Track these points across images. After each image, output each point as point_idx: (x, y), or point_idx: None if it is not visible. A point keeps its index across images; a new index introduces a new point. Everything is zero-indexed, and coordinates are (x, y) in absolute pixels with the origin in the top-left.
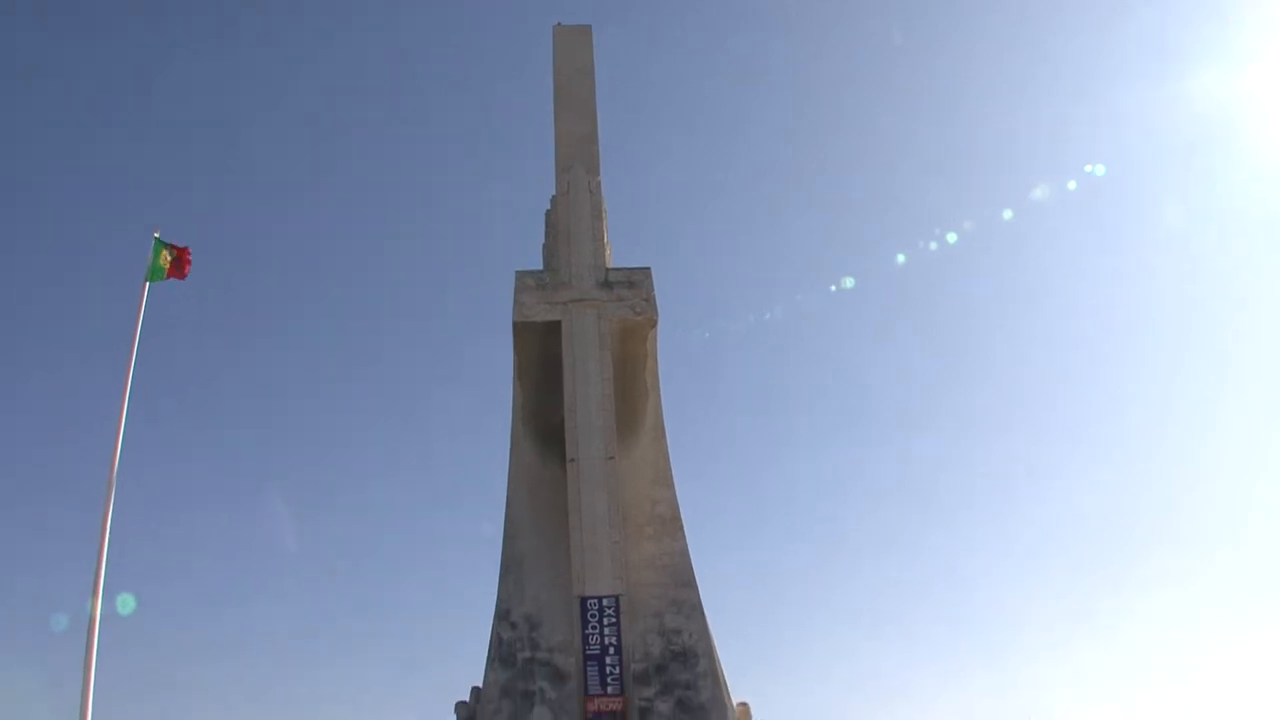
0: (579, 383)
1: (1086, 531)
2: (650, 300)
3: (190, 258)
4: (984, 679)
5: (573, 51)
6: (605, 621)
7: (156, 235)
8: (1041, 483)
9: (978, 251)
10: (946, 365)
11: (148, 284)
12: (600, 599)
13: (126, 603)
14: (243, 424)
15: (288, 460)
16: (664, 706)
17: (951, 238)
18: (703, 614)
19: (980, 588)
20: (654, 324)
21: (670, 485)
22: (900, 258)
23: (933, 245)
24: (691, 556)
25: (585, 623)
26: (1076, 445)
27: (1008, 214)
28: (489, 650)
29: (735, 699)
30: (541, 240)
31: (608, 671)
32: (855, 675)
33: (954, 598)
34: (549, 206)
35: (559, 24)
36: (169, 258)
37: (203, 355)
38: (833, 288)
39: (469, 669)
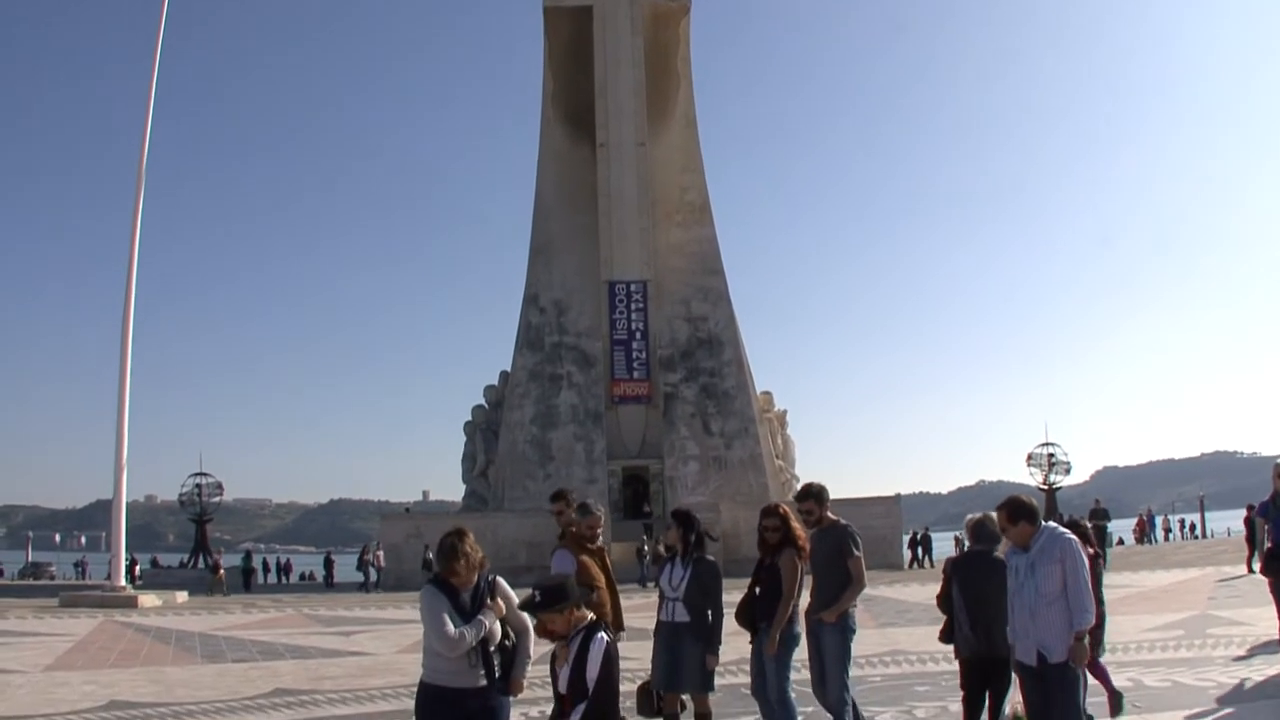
0: (610, 67)
1: (1121, 248)
2: None
3: None
4: (1004, 387)
5: None
6: (633, 307)
7: None
8: (1082, 189)
9: None
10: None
11: None
12: (628, 284)
13: None
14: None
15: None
16: (689, 392)
17: None
18: (729, 302)
19: (1011, 298)
20: (687, 10)
21: (700, 173)
22: None
23: None
24: (720, 245)
25: (613, 308)
26: (1127, 147)
27: None
28: (517, 335)
29: (759, 388)
30: None
31: (634, 356)
32: (876, 376)
33: (982, 306)
34: None
35: None
36: None
37: None
38: None
39: (498, 354)
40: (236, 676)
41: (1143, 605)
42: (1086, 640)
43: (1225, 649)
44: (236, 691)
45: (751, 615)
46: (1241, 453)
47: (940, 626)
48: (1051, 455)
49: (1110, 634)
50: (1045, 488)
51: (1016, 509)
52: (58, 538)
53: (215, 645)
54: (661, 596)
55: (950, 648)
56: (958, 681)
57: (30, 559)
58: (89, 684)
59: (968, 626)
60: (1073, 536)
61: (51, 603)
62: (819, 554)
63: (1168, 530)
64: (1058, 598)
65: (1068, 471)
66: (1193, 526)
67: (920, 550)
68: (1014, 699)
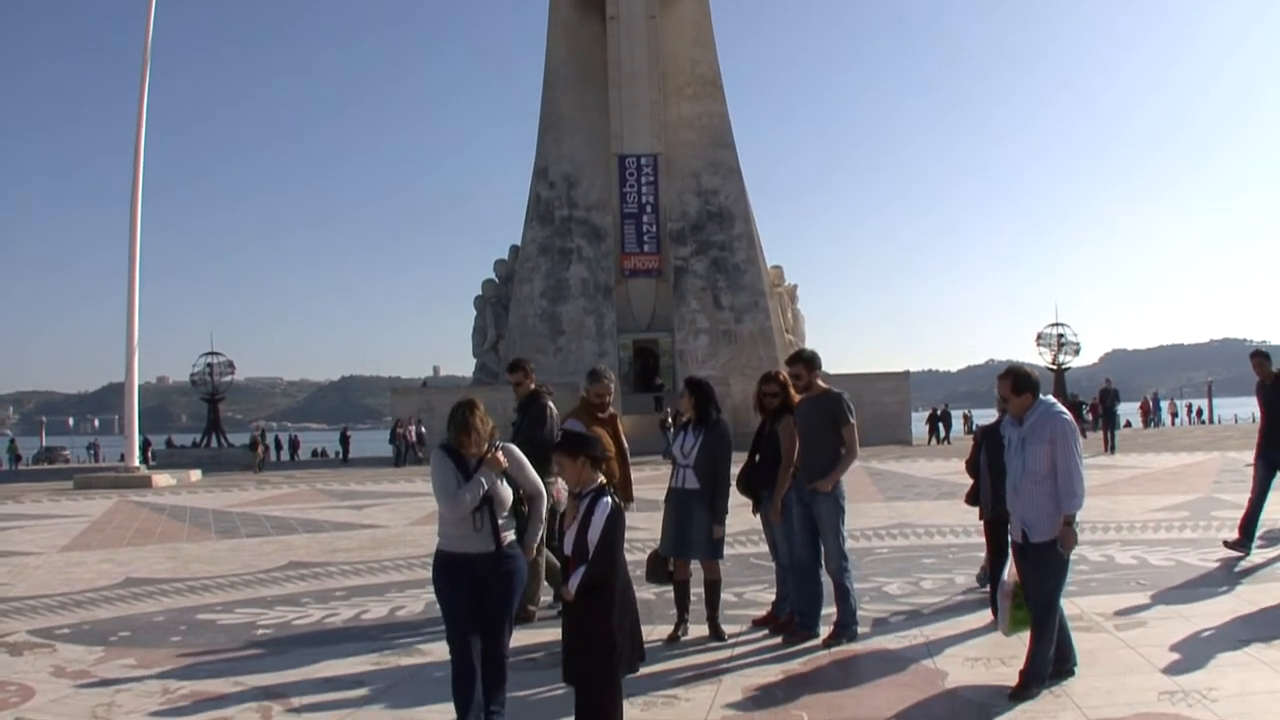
0: None
1: (1135, 135)
2: None
3: None
4: (1014, 269)
5: None
6: (643, 180)
7: None
8: (1095, 73)
9: None
10: None
11: None
12: (638, 158)
13: None
14: None
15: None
16: (699, 265)
17: None
18: (740, 177)
19: (1024, 181)
20: None
21: (711, 47)
22: None
23: None
24: (731, 120)
25: (623, 181)
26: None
27: None
28: (527, 209)
29: (770, 263)
30: None
31: (644, 230)
32: (888, 255)
33: (996, 188)
34: None
35: None
36: None
37: None
38: None
39: (508, 229)
40: (251, 551)
41: (1149, 486)
42: (1076, 525)
43: (1230, 532)
44: (251, 565)
45: (752, 483)
46: (1250, 340)
47: (967, 490)
48: (1061, 336)
49: (1117, 513)
50: (1054, 368)
51: (1021, 381)
52: (71, 422)
53: (229, 521)
54: (673, 464)
55: (975, 510)
56: (962, 555)
57: (44, 444)
58: (105, 562)
59: (991, 491)
60: (1068, 417)
61: (66, 486)
62: (810, 421)
63: (1174, 415)
64: (1044, 477)
65: (1077, 352)
66: (1199, 412)
67: (941, 426)
68: (1013, 570)
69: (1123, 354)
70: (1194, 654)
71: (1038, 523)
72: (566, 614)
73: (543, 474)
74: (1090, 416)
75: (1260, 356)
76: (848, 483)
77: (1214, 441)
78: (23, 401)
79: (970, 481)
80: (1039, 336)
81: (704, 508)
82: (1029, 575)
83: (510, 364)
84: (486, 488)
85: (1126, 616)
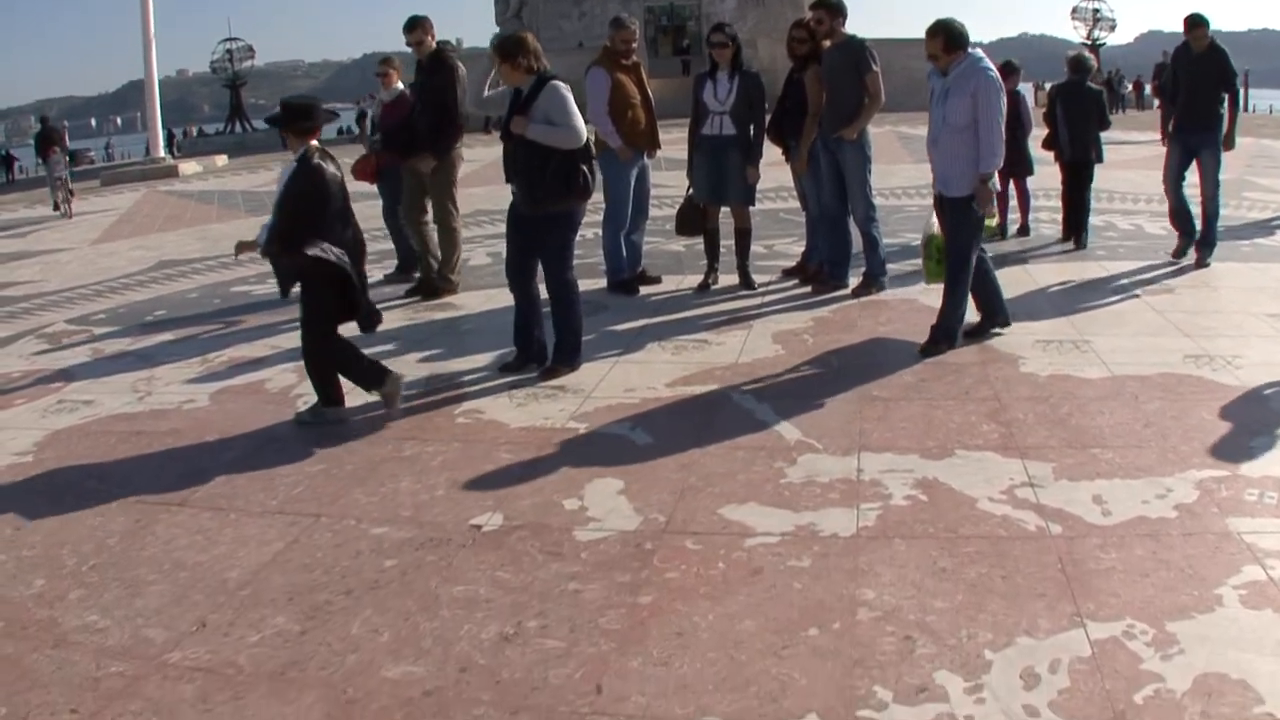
0: None
1: None
2: None
3: None
4: None
5: None
6: None
7: None
8: None
9: None
10: None
11: None
12: None
13: None
14: None
15: None
16: None
17: None
18: None
19: None
20: None
21: None
22: None
23: None
24: None
25: None
26: None
27: None
28: None
29: None
30: None
31: None
32: None
33: None
34: None
35: None
36: None
37: None
38: None
39: None
40: None
41: None
42: (994, 184)
43: (1260, 212)
44: None
45: (782, 131)
46: None
47: (1044, 136)
48: (1097, 11)
49: (1147, 186)
50: (1089, 43)
51: (953, 39)
52: (94, 123)
53: (258, 200)
54: (705, 112)
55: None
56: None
57: (68, 146)
58: (137, 249)
59: (1066, 138)
60: (995, 74)
61: (93, 184)
62: (834, 70)
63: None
64: (963, 129)
65: (1113, 29)
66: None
67: None
68: (934, 221)
69: (1158, 36)
70: (1220, 323)
71: (955, 178)
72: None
73: (448, 148)
74: (1133, 94)
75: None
76: (876, 142)
77: (1247, 129)
78: (44, 110)
79: (1047, 130)
80: (1074, 10)
81: (740, 152)
82: (946, 229)
83: (407, 22)
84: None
85: (1154, 283)
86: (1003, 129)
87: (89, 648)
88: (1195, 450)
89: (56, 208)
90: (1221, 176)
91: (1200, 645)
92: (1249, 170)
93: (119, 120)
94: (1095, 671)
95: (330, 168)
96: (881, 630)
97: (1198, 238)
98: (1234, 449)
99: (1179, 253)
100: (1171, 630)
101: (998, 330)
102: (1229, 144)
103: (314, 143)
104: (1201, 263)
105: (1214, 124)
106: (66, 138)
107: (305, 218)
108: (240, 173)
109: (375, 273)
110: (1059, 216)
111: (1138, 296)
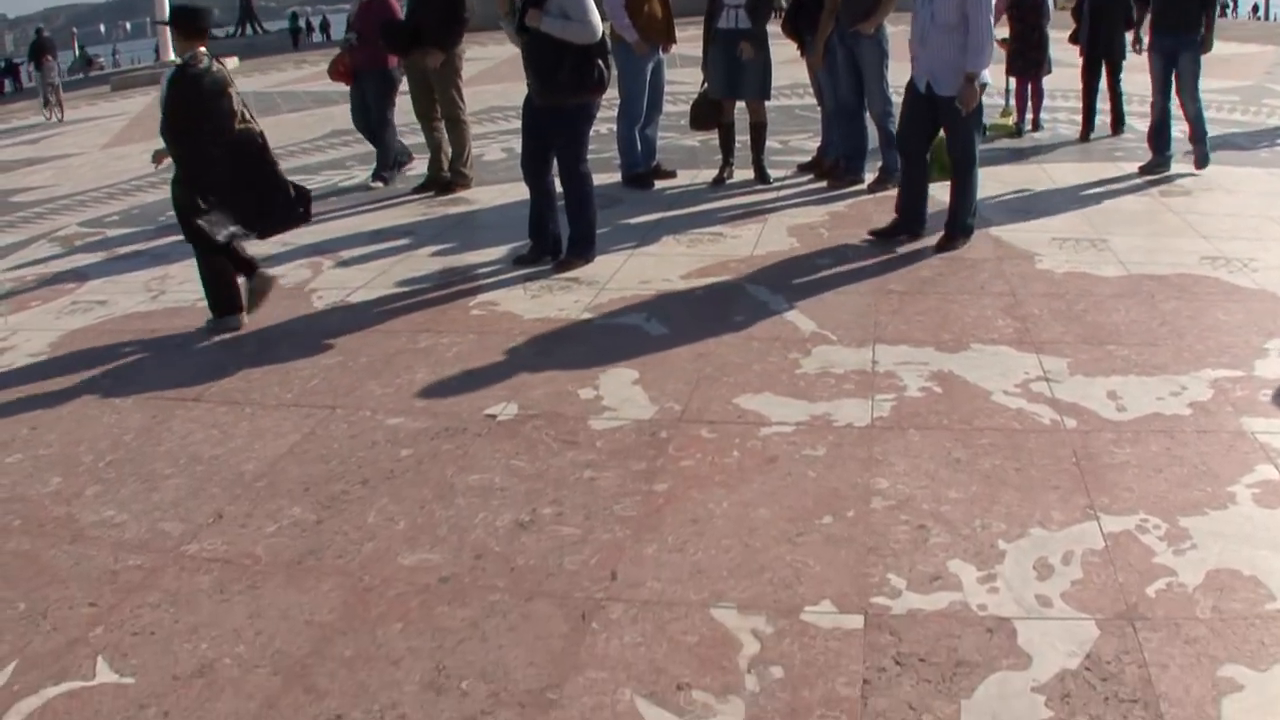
0: None
1: None
2: None
3: None
4: None
5: None
6: None
7: None
8: None
9: None
10: None
11: None
12: None
13: None
14: None
15: None
16: None
17: None
18: None
19: None
20: None
21: None
22: None
23: None
24: None
25: None
26: None
27: None
28: None
29: None
30: None
31: None
32: None
33: None
34: None
35: None
36: None
37: None
38: None
39: None
40: (293, 124)
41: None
42: (979, 85)
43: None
44: (294, 137)
45: (797, 25)
46: None
47: (1070, 31)
48: None
49: None
50: None
51: None
52: (102, 29)
53: (269, 101)
54: (721, 6)
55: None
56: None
57: (77, 53)
58: (148, 153)
59: (1088, 32)
60: None
61: (104, 90)
62: None
63: (1224, 7)
64: (953, 29)
65: None
66: (1255, 8)
67: None
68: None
69: None
70: (1237, 227)
71: (945, 76)
72: None
73: (455, 42)
74: None
75: None
76: (893, 43)
77: (1268, 36)
78: (51, 18)
79: (1074, 25)
80: None
81: (755, 45)
82: (946, 127)
83: None
84: None
85: (1171, 184)
86: (993, 27)
87: (106, 542)
88: (1210, 350)
89: (46, 105)
90: (1202, 83)
91: (1213, 541)
92: (1268, 77)
93: (129, 25)
94: (1108, 564)
95: (214, 70)
96: (895, 519)
97: (1187, 137)
98: (1249, 350)
99: (1148, 169)
100: (1184, 525)
101: (903, 237)
102: (1206, 46)
103: (201, 48)
104: (1201, 162)
105: (1194, 25)
106: (76, 43)
107: (187, 122)
108: (251, 74)
109: (358, 174)
110: (1078, 116)
111: (1155, 197)
